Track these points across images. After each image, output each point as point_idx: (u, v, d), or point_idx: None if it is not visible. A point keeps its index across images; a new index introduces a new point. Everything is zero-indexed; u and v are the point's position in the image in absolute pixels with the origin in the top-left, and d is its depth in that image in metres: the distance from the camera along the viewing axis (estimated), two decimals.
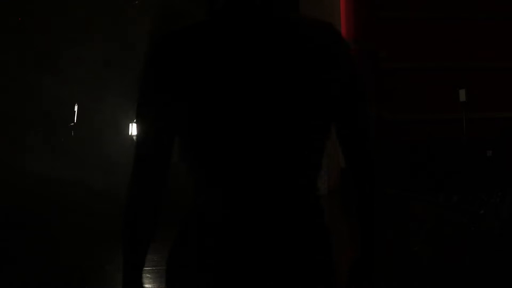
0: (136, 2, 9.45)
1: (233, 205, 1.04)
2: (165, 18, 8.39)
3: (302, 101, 1.02)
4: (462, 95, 8.73)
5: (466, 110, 8.82)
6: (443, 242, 5.87)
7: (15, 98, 8.38)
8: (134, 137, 7.94)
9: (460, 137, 8.97)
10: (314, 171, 1.15)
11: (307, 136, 1.06)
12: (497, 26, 12.49)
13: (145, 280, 4.53)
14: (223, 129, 1.01)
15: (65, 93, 8.80)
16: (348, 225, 8.02)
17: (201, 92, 1.01)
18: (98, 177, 8.17)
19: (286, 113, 1.02)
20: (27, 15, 8.73)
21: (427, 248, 5.49)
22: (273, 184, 1.05)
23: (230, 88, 1.01)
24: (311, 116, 1.04)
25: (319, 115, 1.06)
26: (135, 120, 1.11)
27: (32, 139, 8.37)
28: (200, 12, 1.18)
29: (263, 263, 1.03)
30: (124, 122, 9.49)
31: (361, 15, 12.14)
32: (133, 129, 9.42)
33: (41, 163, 8.06)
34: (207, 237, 1.07)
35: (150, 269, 4.83)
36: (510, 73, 12.41)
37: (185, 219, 1.15)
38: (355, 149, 1.19)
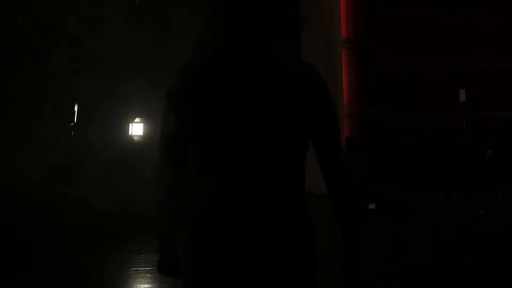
0: (136, 2, 9.44)
1: (230, 201, 1.33)
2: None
3: (282, 122, 1.33)
4: (462, 95, 8.73)
5: (466, 110, 8.82)
6: (443, 242, 5.87)
7: (15, 98, 8.38)
8: (134, 138, 7.94)
9: (460, 137, 8.97)
10: (295, 172, 1.40)
11: (286, 147, 1.36)
12: (497, 26, 12.49)
13: (145, 280, 4.54)
14: (221, 141, 1.33)
15: (65, 93, 8.79)
16: None
17: (207, 112, 1.34)
18: (98, 177, 8.16)
19: (270, 129, 1.33)
20: (27, 15, 8.72)
21: (427, 248, 5.48)
22: (262, 183, 1.33)
23: (228, 110, 1.32)
24: (289, 132, 1.35)
25: (295, 131, 1.37)
26: (162, 118, 1.46)
27: (31, 138, 8.37)
28: None
29: (258, 245, 1.31)
30: (125, 122, 9.48)
31: (361, 15, 12.13)
32: (133, 129, 9.42)
33: (40, 164, 8.04)
34: (213, 228, 1.34)
35: (150, 269, 4.82)
36: (510, 73, 12.41)
37: (194, 213, 1.40)
38: (328, 164, 1.44)
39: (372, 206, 8.10)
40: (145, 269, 4.83)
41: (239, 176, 1.32)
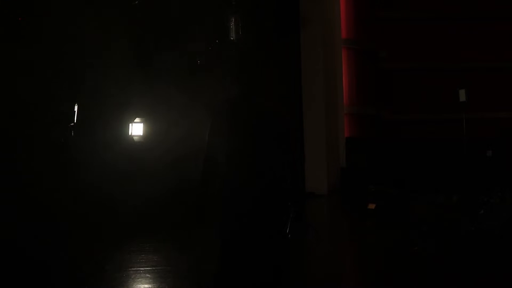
0: (136, 2, 9.42)
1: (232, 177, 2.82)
2: None
3: (263, 142, 2.81)
4: (462, 95, 8.72)
5: (466, 110, 8.82)
6: (443, 242, 5.87)
7: (16, 97, 8.36)
8: (134, 138, 7.93)
9: (460, 137, 8.96)
10: (271, 167, 2.83)
11: (263, 154, 2.80)
12: (497, 26, 12.49)
13: (145, 280, 4.53)
14: (229, 149, 2.82)
15: (65, 92, 8.77)
16: (348, 224, 8.03)
17: (224, 127, 2.82)
18: (98, 177, 8.15)
19: (255, 146, 2.79)
20: (29, 14, 8.70)
21: (427, 248, 5.49)
22: (248, 170, 2.79)
23: (234, 134, 2.80)
24: (267, 147, 2.80)
25: (270, 148, 2.82)
26: (207, 140, 2.89)
27: (32, 138, 8.35)
28: None
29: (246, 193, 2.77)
30: (125, 122, 9.46)
31: (361, 15, 12.13)
32: (133, 130, 9.40)
33: (40, 163, 8.04)
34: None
35: (150, 269, 4.83)
36: (510, 73, 12.40)
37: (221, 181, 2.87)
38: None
39: (372, 206, 8.10)
40: (145, 269, 4.84)
41: (237, 156, 2.79)
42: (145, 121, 9.45)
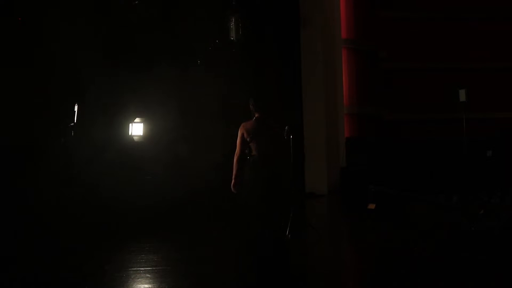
0: (136, 2, 9.42)
1: (257, 162, 4.76)
2: None
3: (272, 138, 4.83)
4: (462, 95, 8.70)
5: (466, 110, 8.82)
6: (443, 242, 5.88)
7: (16, 96, 8.36)
8: (134, 137, 7.95)
9: (460, 137, 8.97)
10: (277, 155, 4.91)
11: (274, 149, 4.84)
12: (497, 26, 12.49)
13: (145, 280, 4.52)
14: (257, 145, 4.75)
15: (65, 92, 8.77)
16: (347, 224, 8.03)
17: (250, 137, 4.75)
18: (98, 177, 8.16)
19: (268, 142, 4.77)
20: (29, 15, 8.70)
21: (427, 248, 5.50)
22: (269, 156, 4.76)
23: (256, 137, 4.75)
24: (274, 142, 4.86)
25: (276, 141, 4.92)
26: (238, 141, 4.80)
27: (31, 138, 8.35)
28: None
29: (267, 174, 4.71)
30: (125, 122, 9.46)
31: (361, 15, 12.14)
32: (133, 130, 9.41)
33: (41, 163, 8.04)
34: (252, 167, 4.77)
35: (150, 269, 4.83)
36: (510, 73, 12.41)
37: (246, 165, 4.75)
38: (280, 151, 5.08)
39: (372, 206, 8.11)
40: (145, 269, 4.84)
41: (262, 154, 4.67)
42: (145, 121, 9.45)
